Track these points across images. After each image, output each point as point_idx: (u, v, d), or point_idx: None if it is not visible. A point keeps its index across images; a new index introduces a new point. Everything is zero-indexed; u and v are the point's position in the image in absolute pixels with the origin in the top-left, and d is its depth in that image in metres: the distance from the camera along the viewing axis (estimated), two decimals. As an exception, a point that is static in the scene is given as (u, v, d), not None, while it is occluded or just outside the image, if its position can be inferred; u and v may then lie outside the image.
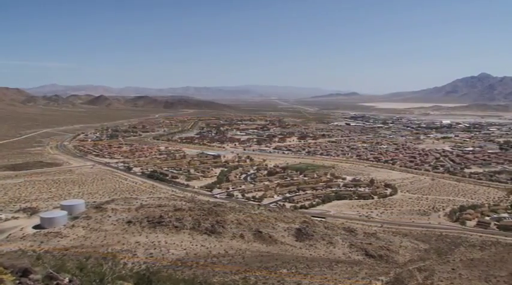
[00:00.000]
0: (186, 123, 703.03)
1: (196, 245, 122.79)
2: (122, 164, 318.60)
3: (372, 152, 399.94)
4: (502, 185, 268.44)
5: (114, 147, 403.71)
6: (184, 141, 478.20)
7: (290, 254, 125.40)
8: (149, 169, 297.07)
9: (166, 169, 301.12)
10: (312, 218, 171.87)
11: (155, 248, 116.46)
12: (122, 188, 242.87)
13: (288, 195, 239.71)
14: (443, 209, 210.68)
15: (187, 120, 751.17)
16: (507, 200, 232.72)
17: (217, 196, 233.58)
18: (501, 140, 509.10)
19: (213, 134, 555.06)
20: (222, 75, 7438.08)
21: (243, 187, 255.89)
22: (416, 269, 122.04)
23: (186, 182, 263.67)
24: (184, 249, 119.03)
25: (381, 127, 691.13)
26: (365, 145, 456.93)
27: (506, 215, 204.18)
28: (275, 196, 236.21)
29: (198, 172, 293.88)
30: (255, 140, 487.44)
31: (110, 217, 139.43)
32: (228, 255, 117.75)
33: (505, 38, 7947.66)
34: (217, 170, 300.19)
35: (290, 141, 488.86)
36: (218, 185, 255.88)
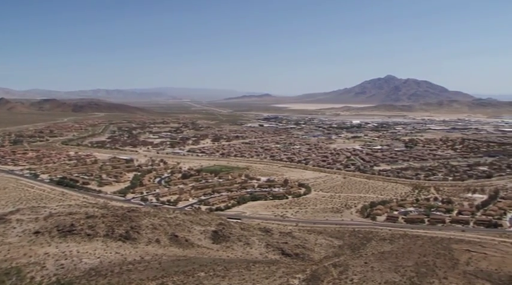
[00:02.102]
0: (96, 126, 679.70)
1: (110, 253, 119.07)
2: (28, 171, 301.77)
3: (285, 153, 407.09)
4: (408, 181, 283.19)
5: (19, 153, 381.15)
6: (95, 145, 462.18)
7: (207, 257, 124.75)
8: (58, 176, 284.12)
9: (76, 175, 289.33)
10: (228, 220, 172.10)
11: (66, 259, 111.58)
12: (28, 197, 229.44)
13: (203, 198, 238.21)
14: (355, 206, 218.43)
15: (98, 123, 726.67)
16: (413, 195, 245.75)
17: (132, 201, 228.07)
18: (406, 138, 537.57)
19: (125, 138, 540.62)
20: (134, 77, 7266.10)
21: (157, 191, 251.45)
22: (331, 265, 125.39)
23: (98, 188, 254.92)
24: (98, 257, 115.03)
25: (294, 127, 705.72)
26: (278, 145, 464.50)
27: (412, 209, 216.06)
28: (190, 199, 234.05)
29: (110, 177, 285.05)
30: (168, 143, 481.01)
31: (15, 228, 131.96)
32: (144, 261, 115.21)
33: (408, 41, 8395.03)
34: (131, 175, 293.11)
35: (204, 143, 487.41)
36: (132, 190, 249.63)
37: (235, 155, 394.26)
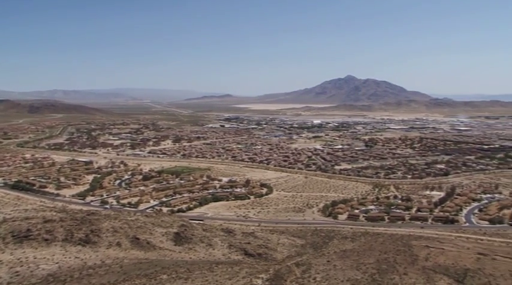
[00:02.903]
0: (54, 128, 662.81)
1: (69, 258, 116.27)
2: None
3: (246, 153, 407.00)
4: (369, 180, 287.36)
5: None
6: (52, 147, 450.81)
7: (169, 259, 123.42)
8: (13, 179, 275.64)
9: (33, 178, 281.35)
10: (190, 221, 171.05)
11: (22, 265, 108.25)
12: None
13: (164, 199, 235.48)
14: (317, 205, 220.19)
15: (55, 125, 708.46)
16: (373, 193, 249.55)
17: (91, 203, 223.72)
18: (366, 138, 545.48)
19: (84, 139, 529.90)
20: (93, 78, 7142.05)
21: (117, 193, 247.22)
22: (294, 264, 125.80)
23: (56, 192, 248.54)
24: (57, 263, 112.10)
25: (255, 128, 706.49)
26: (240, 146, 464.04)
27: (373, 207, 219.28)
28: (151, 201, 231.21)
29: (69, 180, 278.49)
30: (128, 144, 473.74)
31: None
32: (105, 265, 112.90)
33: (367, 42, 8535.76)
34: (90, 177, 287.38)
35: (165, 144, 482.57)
36: (91, 193, 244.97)
37: (197, 156, 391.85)
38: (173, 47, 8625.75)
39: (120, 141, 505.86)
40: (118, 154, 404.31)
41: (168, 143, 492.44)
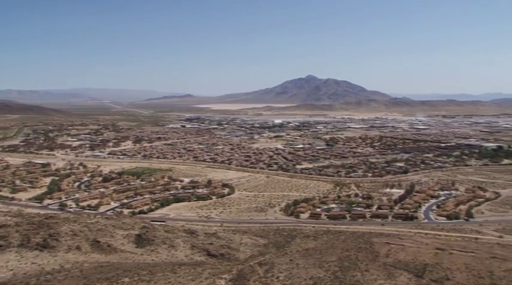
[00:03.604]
0: (8, 129, 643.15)
1: (26, 264, 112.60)
2: None
3: (208, 153, 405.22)
4: (330, 179, 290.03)
5: None
6: (7, 149, 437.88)
7: (131, 262, 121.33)
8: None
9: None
10: (152, 222, 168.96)
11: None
12: None
13: (125, 201, 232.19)
14: (279, 205, 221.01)
15: (10, 126, 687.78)
16: (334, 191, 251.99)
17: (49, 207, 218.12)
18: (327, 137, 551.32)
19: (41, 141, 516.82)
20: (50, 78, 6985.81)
21: (77, 195, 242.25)
22: (257, 263, 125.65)
23: (11, 195, 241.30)
24: (11, 270, 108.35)
25: (216, 128, 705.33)
26: (201, 146, 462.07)
27: (334, 205, 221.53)
28: (112, 203, 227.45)
29: (25, 183, 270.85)
30: (88, 146, 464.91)
31: None
32: (64, 270, 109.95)
33: (328, 42, 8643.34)
34: (48, 180, 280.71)
35: (125, 145, 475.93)
36: (49, 196, 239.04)
37: (158, 157, 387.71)
38: (133, 46, 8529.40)
39: (79, 142, 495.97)
40: (77, 156, 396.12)
41: (128, 144, 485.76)
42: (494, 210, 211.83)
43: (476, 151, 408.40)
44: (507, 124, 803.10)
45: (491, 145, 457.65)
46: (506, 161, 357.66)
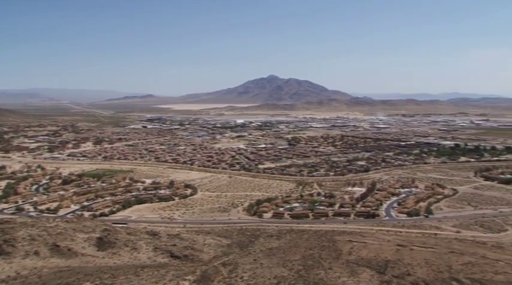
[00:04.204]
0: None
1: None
2: None
3: (170, 154, 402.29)
4: (292, 178, 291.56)
5: None
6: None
7: (93, 266, 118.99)
8: None
9: None
10: (113, 225, 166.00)
11: None
12: None
13: (86, 203, 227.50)
14: (242, 205, 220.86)
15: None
16: (297, 191, 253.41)
17: (4, 211, 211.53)
18: (289, 136, 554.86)
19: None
20: (5, 77, 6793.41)
21: (34, 199, 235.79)
22: (221, 264, 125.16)
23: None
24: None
25: (178, 128, 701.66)
26: (163, 147, 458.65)
27: (297, 204, 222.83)
28: (72, 206, 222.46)
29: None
30: (46, 147, 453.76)
31: None
32: (20, 277, 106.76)
33: (289, 42, 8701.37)
34: (3, 183, 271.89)
35: (85, 147, 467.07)
36: (4, 200, 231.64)
37: (119, 158, 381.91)
38: (92, 46, 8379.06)
39: (36, 144, 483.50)
40: (34, 158, 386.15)
41: (88, 146, 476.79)
42: (452, 206, 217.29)
43: (435, 149, 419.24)
44: (463, 123, 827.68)
45: (449, 143, 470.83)
46: (463, 158, 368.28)
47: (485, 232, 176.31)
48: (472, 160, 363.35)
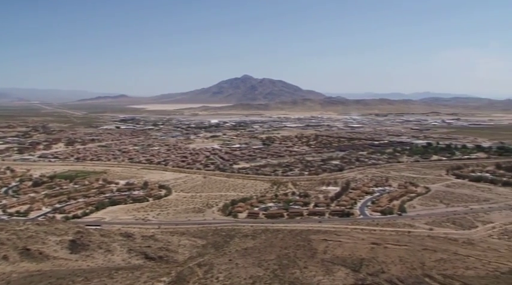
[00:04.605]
0: None
1: None
2: None
3: (144, 155, 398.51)
4: (267, 178, 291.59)
5: None
6: None
7: (65, 269, 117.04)
8: None
9: None
10: (87, 227, 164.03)
11: None
12: None
13: (58, 206, 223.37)
14: (217, 205, 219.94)
15: None
16: (272, 190, 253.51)
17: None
18: (264, 136, 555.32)
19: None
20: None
21: (3, 202, 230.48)
22: (196, 265, 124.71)
23: None
24: None
25: (152, 129, 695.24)
26: (137, 147, 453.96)
27: (272, 204, 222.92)
28: (43, 208, 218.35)
29: None
30: (15, 149, 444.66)
31: None
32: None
33: (263, 42, 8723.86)
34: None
35: (57, 148, 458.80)
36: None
37: (92, 159, 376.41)
38: (64, 45, 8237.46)
39: (5, 145, 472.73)
40: (3, 160, 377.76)
41: (60, 147, 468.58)
42: (425, 204, 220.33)
43: (408, 148, 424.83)
44: (435, 122, 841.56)
45: (421, 142, 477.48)
46: (435, 157, 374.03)
47: (457, 228, 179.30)
48: (444, 158, 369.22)
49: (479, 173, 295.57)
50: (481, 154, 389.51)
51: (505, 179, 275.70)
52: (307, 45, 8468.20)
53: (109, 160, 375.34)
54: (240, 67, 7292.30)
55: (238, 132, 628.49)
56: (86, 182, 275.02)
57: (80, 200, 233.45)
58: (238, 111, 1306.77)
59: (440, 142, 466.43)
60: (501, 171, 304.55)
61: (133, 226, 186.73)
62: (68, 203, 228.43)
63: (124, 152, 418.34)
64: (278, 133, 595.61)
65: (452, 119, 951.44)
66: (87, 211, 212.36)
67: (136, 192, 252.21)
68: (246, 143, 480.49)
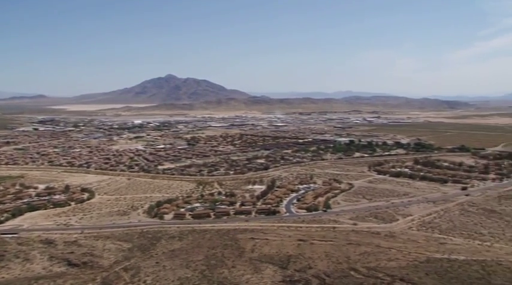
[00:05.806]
0: None
1: None
2: None
3: (64, 157, 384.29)
4: (193, 178, 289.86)
5: None
6: None
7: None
8: None
9: None
10: (2, 236, 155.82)
11: None
12: None
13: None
14: (142, 207, 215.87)
15: None
16: (198, 191, 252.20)
17: None
18: (188, 136, 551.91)
19: None
20: None
21: None
22: (122, 269, 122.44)
23: None
24: None
25: (73, 130, 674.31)
26: (57, 150, 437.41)
27: (198, 204, 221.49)
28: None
29: None
30: None
31: None
32: None
33: (187, 43, 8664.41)
34: None
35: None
36: None
37: (7, 163, 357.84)
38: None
39: None
40: None
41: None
42: (348, 200, 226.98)
43: (331, 146, 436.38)
44: (357, 120, 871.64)
45: (344, 139, 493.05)
46: (357, 154, 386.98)
47: (379, 222, 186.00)
48: (366, 155, 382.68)
49: (398, 169, 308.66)
50: (400, 151, 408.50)
51: (422, 174, 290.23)
52: (231, 46, 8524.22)
53: (27, 163, 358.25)
54: (164, 67, 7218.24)
55: (162, 133, 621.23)
56: (1, 188, 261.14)
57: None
58: (162, 111, 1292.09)
59: (362, 140, 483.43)
60: (418, 166, 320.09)
61: (54, 232, 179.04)
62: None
63: (43, 155, 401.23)
64: (203, 133, 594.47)
65: (373, 117, 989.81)
66: (2, 218, 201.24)
67: (57, 196, 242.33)
68: (170, 144, 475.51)
